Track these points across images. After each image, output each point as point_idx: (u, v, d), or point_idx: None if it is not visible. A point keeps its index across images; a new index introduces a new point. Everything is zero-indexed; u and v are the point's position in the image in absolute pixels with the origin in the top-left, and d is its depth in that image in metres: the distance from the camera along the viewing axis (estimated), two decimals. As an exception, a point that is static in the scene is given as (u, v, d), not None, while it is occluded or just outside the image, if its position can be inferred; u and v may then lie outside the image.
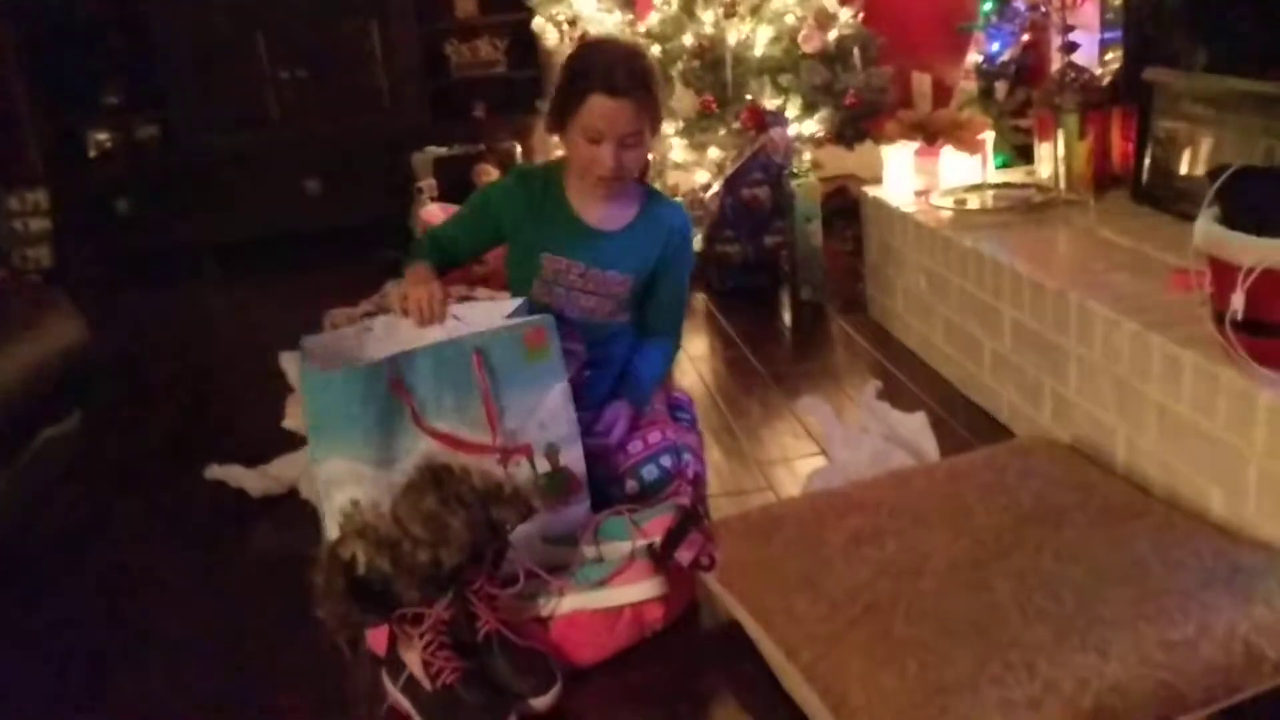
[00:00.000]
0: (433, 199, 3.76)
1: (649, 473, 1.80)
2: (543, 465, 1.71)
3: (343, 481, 1.61)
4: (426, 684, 1.41)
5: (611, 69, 1.77)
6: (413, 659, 1.43)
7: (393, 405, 1.62)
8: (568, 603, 1.52)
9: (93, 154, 4.17)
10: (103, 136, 4.16)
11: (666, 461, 1.81)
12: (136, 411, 2.71)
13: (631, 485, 1.79)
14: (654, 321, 2.02)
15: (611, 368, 1.95)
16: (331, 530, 1.59)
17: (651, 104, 1.81)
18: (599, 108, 1.77)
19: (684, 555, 1.53)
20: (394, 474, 1.59)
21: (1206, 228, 1.49)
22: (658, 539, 1.56)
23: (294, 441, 2.06)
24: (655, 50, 3.23)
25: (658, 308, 2.01)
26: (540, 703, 1.41)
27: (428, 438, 1.64)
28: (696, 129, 3.24)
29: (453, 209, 3.68)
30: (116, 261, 3.98)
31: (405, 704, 1.44)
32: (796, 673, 1.34)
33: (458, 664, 1.41)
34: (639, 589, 1.52)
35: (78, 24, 3.98)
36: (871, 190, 2.73)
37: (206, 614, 1.76)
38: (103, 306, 3.76)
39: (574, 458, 1.72)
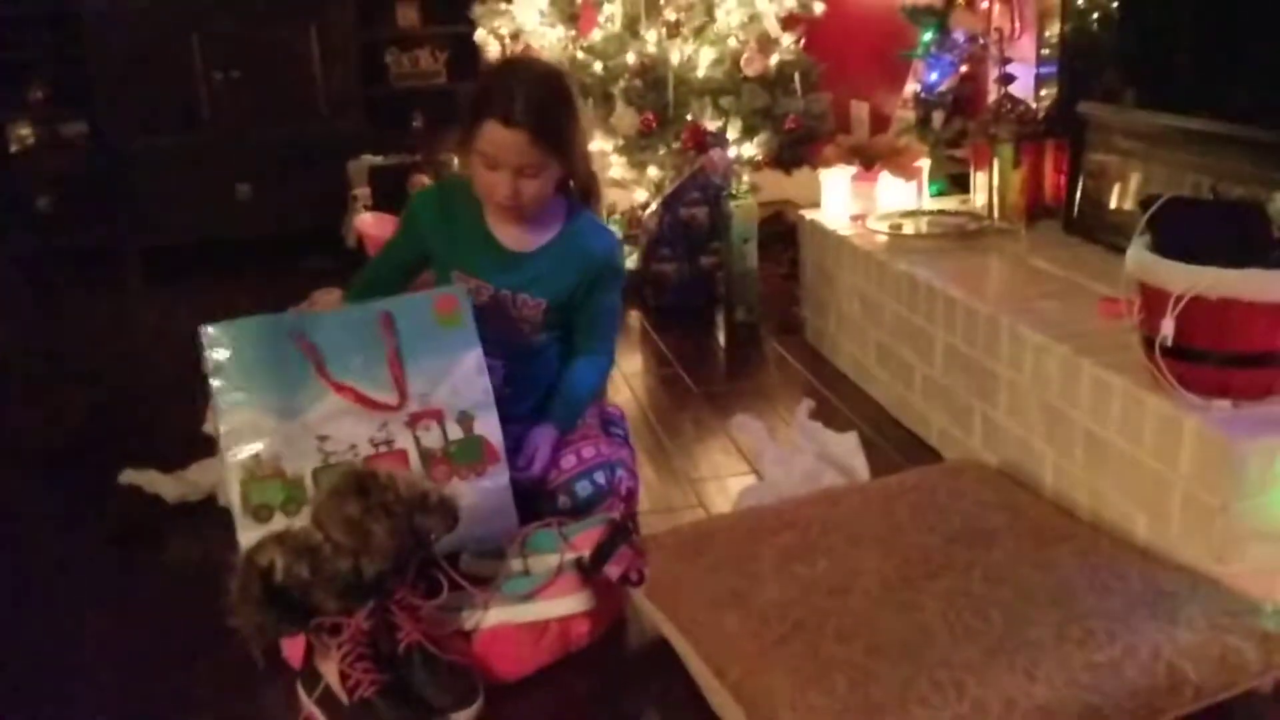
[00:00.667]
0: (367, 208, 3.71)
1: (583, 488, 1.77)
2: (455, 432, 1.68)
3: (243, 433, 1.59)
4: (343, 697, 1.37)
5: (511, 97, 1.70)
6: (329, 670, 1.39)
7: (296, 358, 1.63)
8: (493, 616, 1.48)
9: (14, 149, 4.04)
10: (25, 132, 4.04)
11: (601, 477, 1.79)
12: (48, 414, 2.61)
13: (564, 500, 1.76)
14: (584, 341, 1.95)
15: (535, 386, 1.90)
16: (232, 487, 1.58)
17: (553, 135, 1.74)
18: (493, 136, 1.72)
19: (613, 570, 1.50)
20: (296, 426, 1.60)
21: (1138, 255, 1.51)
22: (586, 553, 1.53)
23: (213, 447, 1.99)
24: (597, 67, 3.23)
25: (587, 328, 1.95)
26: (461, 717, 1.37)
27: (332, 391, 1.63)
28: (636, 147, 3.24)
29: (387, 218, 3.68)
30: (36, 260, 3.86)
31: (321, 717, 1.39)
32: (724, 691, 1.32)
33: (376, 676, 1.37)
34: (566, 603, 1.49)
35: (5, 16, 3.86)
36: (809, 213, 2.74)
37: (112, 628, 1.68)
38: (20, 305, 3.65)
39: (489, 426, 1.69)
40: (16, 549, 1.95)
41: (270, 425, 1.60)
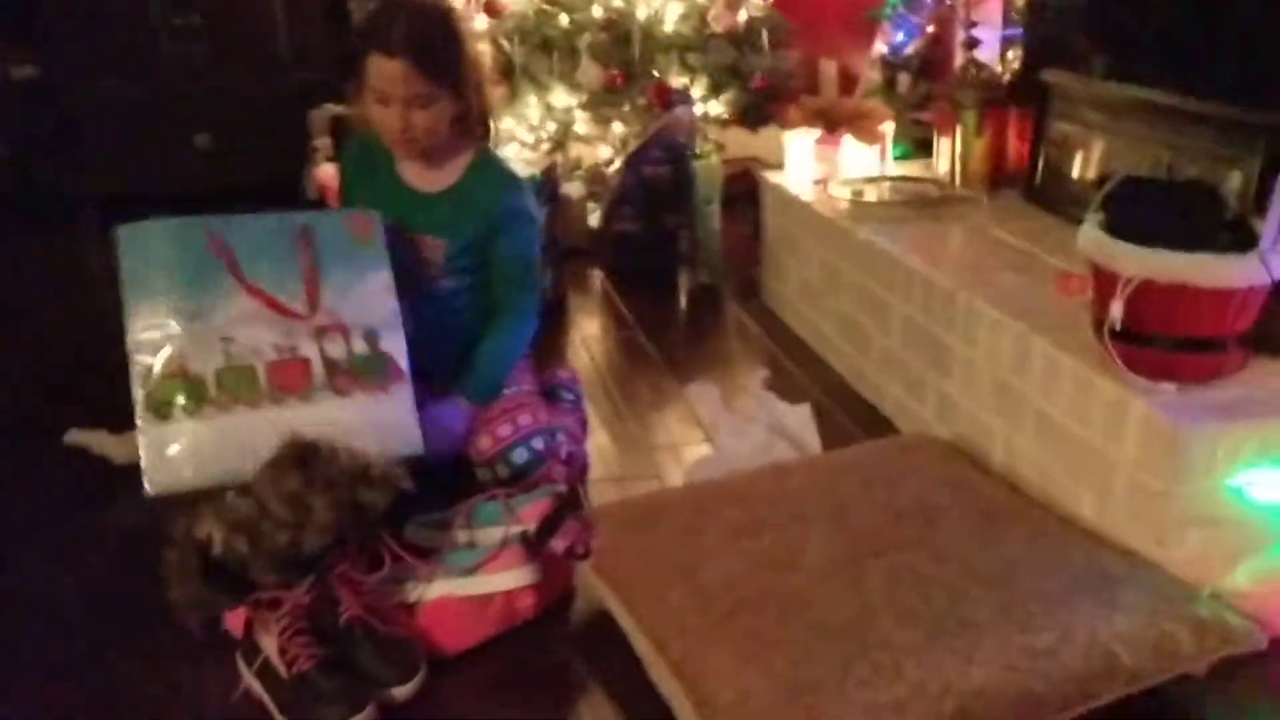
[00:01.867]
0: (328, 159, 3.64)
1: (519, 455, 1.77)
2: (360, 347, 1.69)
3: (153, 343, 1.62)
4: (282, 670, 1.35)
5: (389, 27, 1.72)
6: (269, 644, 1.37)
7: (209, 261, 1.67)
8: (436, 589, 1.47)
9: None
10: (-30, 73, 3.94)
11: (539, 443, 1.78)
12: (-3, 367, 2.57)
13: (502, 469, 1.75)
14: (498, 296, 1.92)
15: (445, 336, 1.88)
16: (135, 385, 1.59)
17: (437, 64, 1.75)
18: (378, 69, 1.73)
19: (559, 543, 1.49)
20: (202, 327, 1.63)
21: (1090, 234, 1.51)
22: (533, 526, 1.52)
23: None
24: (563, 20, 3.17)
25: (498, 280, 1.91)
26: (402, 691, 1.37)
27: (243, 292, 1.66)
28: (601, 103, 3.19)
29: (349, 170, 3.61)
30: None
31: (259, 690, 1.38)
32: (665, 666, 1.32)
33: (315, 651, 1.36)
34: (511, 576, 1.49)
35: (-47, -46, 3.75)
36: (772, 176, 2.71)
37: (57, 594, 1.66)
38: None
39: (394, 346, 1.71)
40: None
41: (178, 328, 1.63)
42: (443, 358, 1.85)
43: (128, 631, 1.54)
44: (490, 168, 1.93)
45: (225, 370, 1.62)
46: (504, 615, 1.49)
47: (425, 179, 1.90)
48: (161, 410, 1.59)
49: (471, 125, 1.88)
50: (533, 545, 1.50)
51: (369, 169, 1.93)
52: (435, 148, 1.86)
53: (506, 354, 1.90)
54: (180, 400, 1.59)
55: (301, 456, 1.38)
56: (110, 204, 3.81)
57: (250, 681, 1.39)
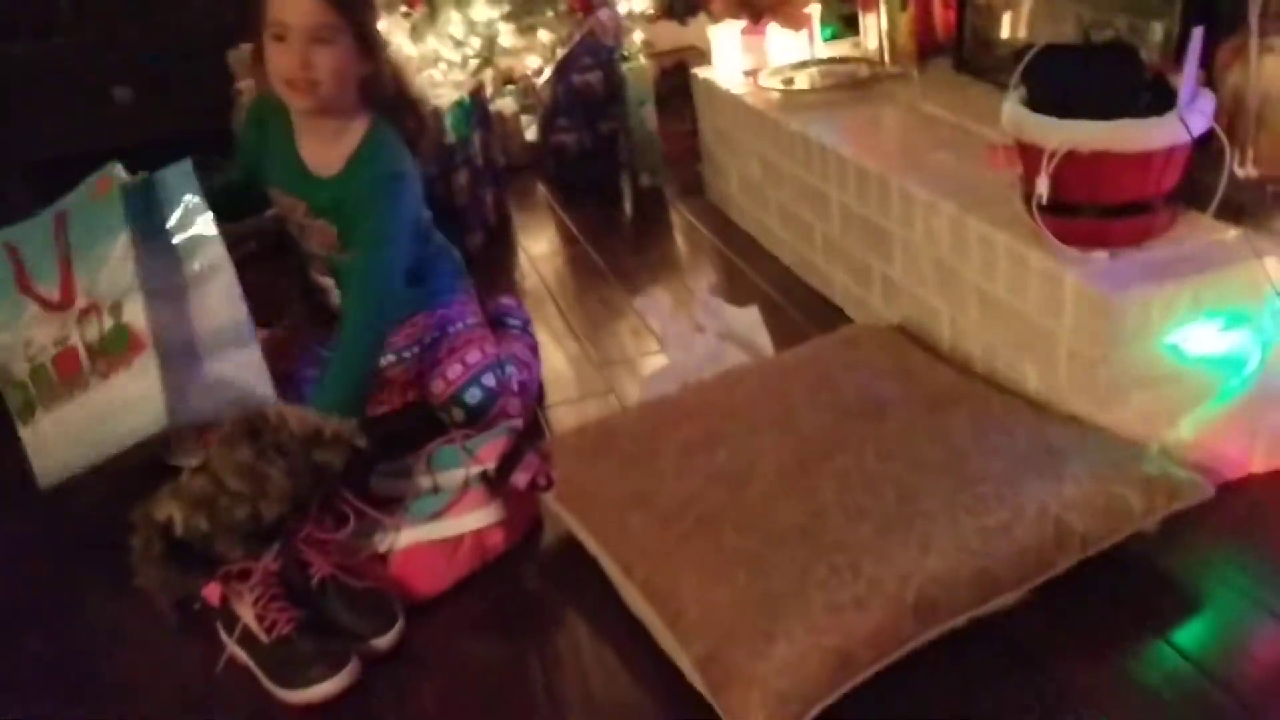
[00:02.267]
0: (253, 101, 3.56)
1: (471, 396, 1.77)
2: (108, 324, 1.65)
3: None
4: (262, 636, 1.38)
5: None
6: (246, 612, 1.40)
7: (4, 271, 1.73)
8: (405, 537, 1.49)
9: None
10: None
11: (490, 380, 1.79)
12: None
13: (457, 413, 1.76)
14: (349, 294, 1.76)
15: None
16: None
17: None
18: None
19: (520, 479, 1.51)
20: (10, 336, 1.70)
21: (1012, 110, 1.50)
22: (492, 465, 1.54)
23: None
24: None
25: (348, 281, 1.77)
26: (382, 642, 1.40)
27: (25, 297, 1.71)
28: (524, 12, 3.12)
29: (277, 110, 3.53)
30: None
31: (243, 656, 1.41)
32: (633, 589, 1.35)
33: (292, 613, 1.38)
34: (476, 517, 1.51)
35: None
36: (701, 71, 2.67)
37: (34, 573, 1.69)
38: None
39: (133, 314, 1.62)
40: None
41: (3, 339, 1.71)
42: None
43: (103, 612, 1.57)
44: (377, 142, 1.76)
45: (32, 372, 1.69)
46: (474, 555, 1.51)
47: (319, 158, 1.78)
48: (22, 415, 1.70)
49: (377, 96, 1.76)
50: (494, 483, 1.52)
51: (265, 133, 1.82)
52: (334, 107, 1.72)
53: (345, 381, 1.67)
54: (20, 404, 1.70)
55: (251, 427, 1.39)
56: (38, 170, 3.75)
57: (233, 649, 1.42)
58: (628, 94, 2.83)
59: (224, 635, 1.43)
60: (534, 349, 2.03)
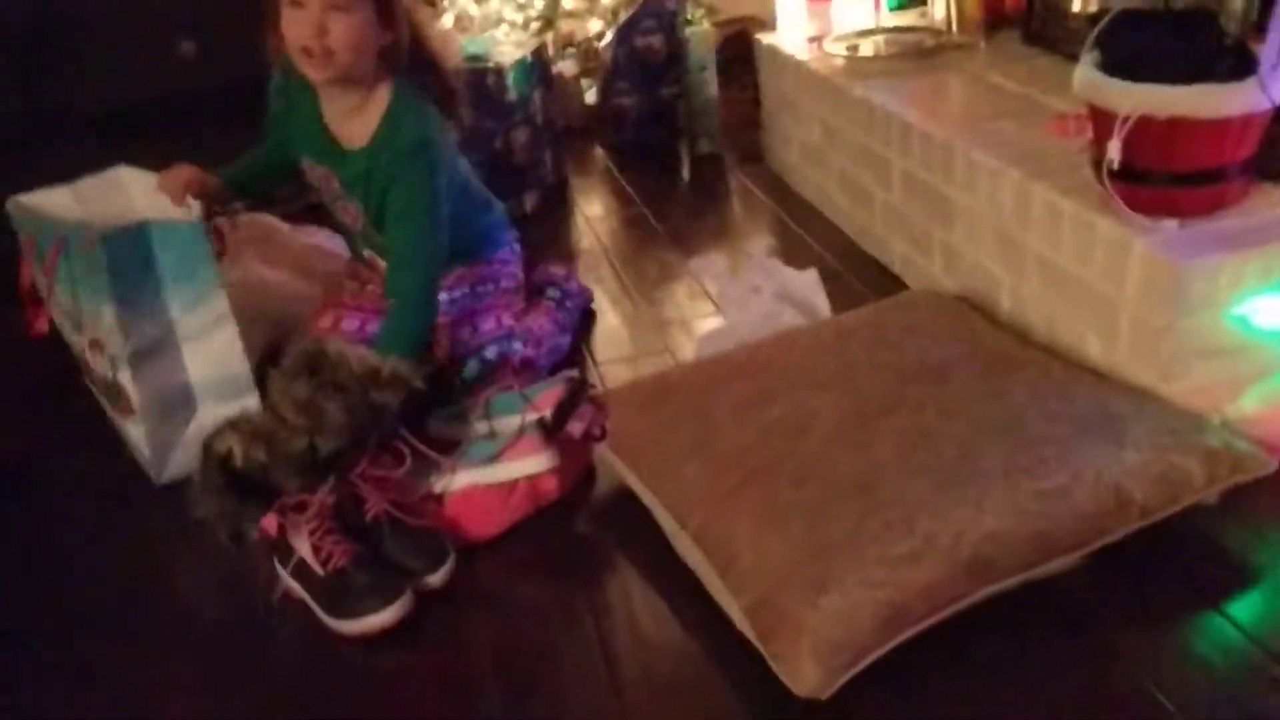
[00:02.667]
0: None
1: (470, 370, 1.76)
2: (110, 374, 1.69)
3: None
4: (318, 569, 1.40)
5: None
6: (302, 544, 1.42)
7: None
8: (460, 479, 1.51)
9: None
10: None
11: (491, 353, 1.77)
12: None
13: (454, 378, 1.76)
14: (387, 273, 1.73)
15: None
16: None
17: None
18: None
19: (575, 427, 1.52)
20: None
21: (1085, 74, 1.48)
22: (548, 412, 1.55)
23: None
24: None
25: (388, 255, 1.73)
26: (434, 579, 1.42)
27: None
28: (587, -27, 3.12)
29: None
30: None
31: (298, 588, 1.43)
32: (686, 538, 1.36)
33: (347, 547, 1.40)
34: (531, 463, 1.52)
35: None
36: (765, 37, 2.66)
37: (97, 498, 1.73)
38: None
39: (127, 380, 1.64)
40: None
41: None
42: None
43: (167, 541, 1.60)
44: (405, 110, 1.70)
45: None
46: (528, 500, 1.53)
47: (345, 130, 1.73)
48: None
49: (398, 64, 1.70)
50: (549, 431, 1.53)
51: (293, 106, 1.77)
52: (352, 77, 1.66)
53: (405, 332, 1.66)
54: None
55: (311, 364, 1.41)
56: (104, 119, 3.81)
57: (288, 581, 1.44)
58: (689, 59, 2.82)
59: (279, 568, 1.46)
60: (562, 324, 1.95)
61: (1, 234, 1.86)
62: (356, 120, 1.72)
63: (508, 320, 1.83)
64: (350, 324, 1.82)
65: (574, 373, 1.65)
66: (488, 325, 1.80)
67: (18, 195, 1.80)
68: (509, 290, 1.89)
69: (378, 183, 1.70)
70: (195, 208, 1.70)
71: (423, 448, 1.49)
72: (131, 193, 1.77)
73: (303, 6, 1.58)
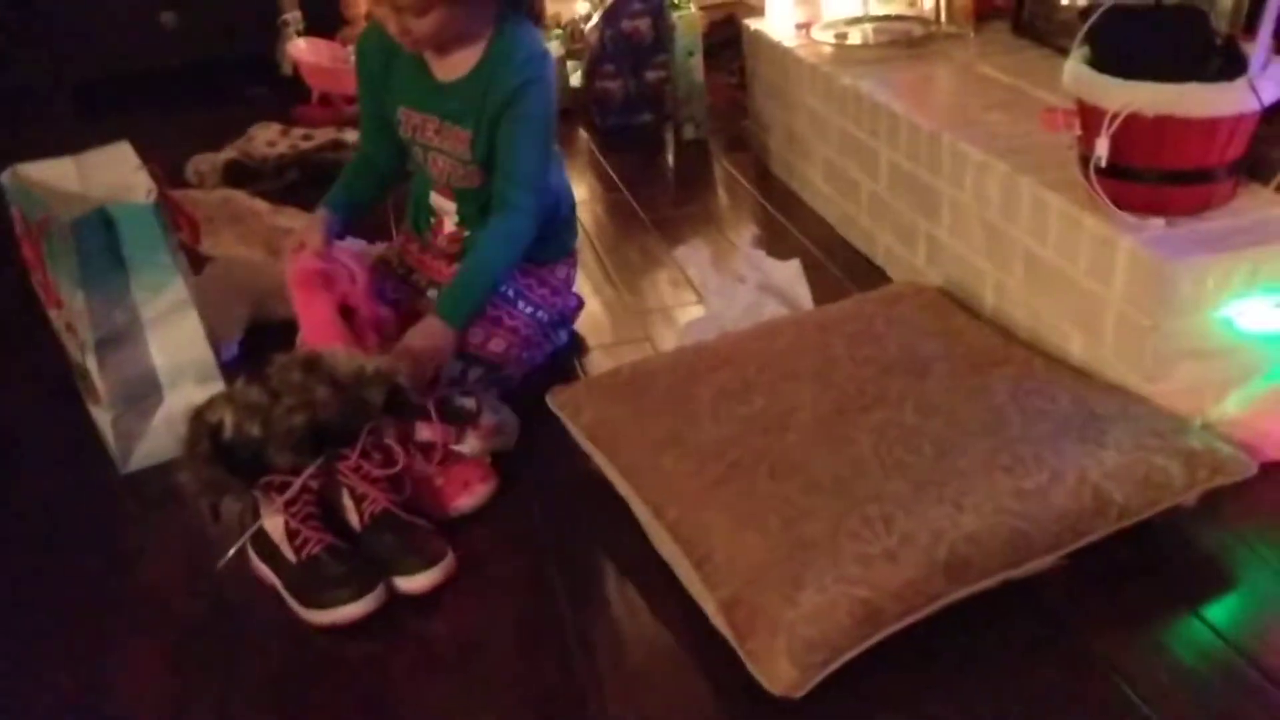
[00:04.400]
0: (299, 33, 3.55)
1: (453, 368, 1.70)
2: (79, 358, 1.70)
3: None
4: (291, 555, 1.38)
5: None
6: (275, 528, 1.40)
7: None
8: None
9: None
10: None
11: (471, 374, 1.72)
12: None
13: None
14: (497, 190, 1.72)
15: (486, 216, 1.79)
16: None
17: None
18: None
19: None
20: None
21: (1075, 69, 1.46)
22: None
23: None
24: None
25: (499, 171, 1.72)
26: (426, 578, 1.38)
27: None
28: (574, -44, 3.09)
29: (322, 44, 3.51)
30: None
31: (268, 573, 1.41)
32: (663, 530, 1.34)
33: (323, 535, 1.39)
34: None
35: None
36: (753, 23, 2.63)
37: (70, 479, 1.70)
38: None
39: (93, 365, 1.64)
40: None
41: None
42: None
43: (138, 517, 1.58)
44: (510, 38, 1.69)
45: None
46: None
47: (446, 66, 1.73)
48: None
49: (485, 8, 1.68)
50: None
51: (391, 53, 1.76)
52: (446, 44, 1.69)
53: (490, 268, 1.69)
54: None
55: (308, 362, 1.41)
56: (85, 91, 3.76)
57: (258, 566, 1.43)
58: (676, 43, 2.80)
59: (251, 552, 1.44)
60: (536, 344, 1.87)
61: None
62: (458, 56, 1.71)
63: (498, 345, 1.75)
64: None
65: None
66: (496, 346, 1.74)
67: (18, 166, 1.77)
68: (524, 335, 1.79)
69: (494, 100, 1.67)
70: (149, 186, 1.67)
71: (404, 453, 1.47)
72: (130, 168, 1.75)
73: (380, 5, 1.61)
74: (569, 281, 1.91)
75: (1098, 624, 1.24)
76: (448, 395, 1.57)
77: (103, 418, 1.68)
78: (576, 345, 1.95)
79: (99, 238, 1.60)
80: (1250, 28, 1.42)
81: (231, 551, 1.42)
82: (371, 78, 1.81)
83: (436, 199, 1.86)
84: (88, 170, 1.76)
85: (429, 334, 1.61)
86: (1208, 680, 1.16)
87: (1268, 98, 1.35)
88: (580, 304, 1.97)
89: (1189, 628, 1.23)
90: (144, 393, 1.68)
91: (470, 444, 1.56)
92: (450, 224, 1.85)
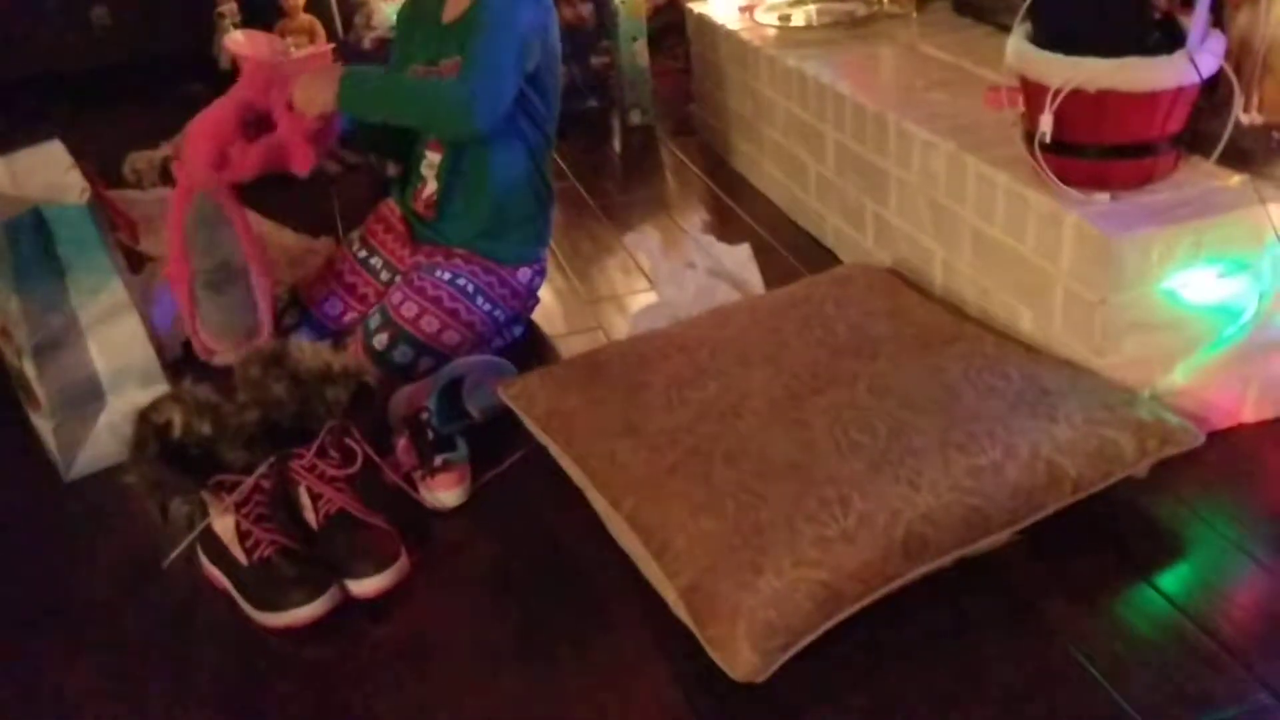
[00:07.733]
0: (235, 25, 3.48)
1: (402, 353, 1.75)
2: (17, 365, 1.67)
3: None
4: (241, 557, 1.36)
5: None
6: (225, 529, 1.37)
7: None
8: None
9: None
10: None
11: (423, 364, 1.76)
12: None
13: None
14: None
15: (469, 188, 1.81)
16: None
17: None
18: None
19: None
20: None
21: (1017, 46, 1.47)
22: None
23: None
24: None
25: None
26: (376, 582, 1.35)
27: None
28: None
29: (260, 36, 3.43)
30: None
31: (219, 576, 1.39)
32: (620, 520, 1.33)
33: (276, 537, 1.36)
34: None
35: None
36: (696, 6, 2.62)
37: (12, 490, 1.67)
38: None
39: (32, 371, 1.61)
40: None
41: None
42: (471, 231, 1.81)
43: (89, 521, 1.55)
44: None
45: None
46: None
47: (451, 9, 1.82)
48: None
49: None
50: None
51: (410, 22, 1.91)
52: None
53: (407, 83, 1.80)
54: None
55: (275, 355, 1.40)
56: (10, 91, 3.67)
57: (209, 569, 1.40)
58: (619, 28, 2.78)
59: (201, 555, 1.41)
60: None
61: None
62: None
63: (434, 325, 1.76)
64: (332, 308, 1.88)
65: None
66: (450, 338, 1.76)
67: None
68: (479, 331, 1.81)
69: (472, 19, 1.73)
70: (83, 186, 1.63)
71: (373, 454, 1.44)
72: (63, 168, 1.71)
73: None
74: (532, 288, 1.89)
75: (1052, 596, 1.25)
76: (444, 432, 1.55)
77: (44, 425, 1.64)
78: (530, 335, 1.93)
79: (33, 240, 1.56)
80: (1188, 2, 1.43)
81: (176, 552, 1.40)
82: (399, 43, 1.94)
83: (427, 156, 1.87)
84: (18, 171, 1.72)
85: (320, 72, 1.70)
86: (1162, 648, 1.17)
87: (1206, 70, 1.36)
88: (537, 301, 1.96)
89: (1144, 597, 1.25)
90: (86, 398, 1.64)
91: (429, 492, 1.50)
92: (431, 186, 1.86)
